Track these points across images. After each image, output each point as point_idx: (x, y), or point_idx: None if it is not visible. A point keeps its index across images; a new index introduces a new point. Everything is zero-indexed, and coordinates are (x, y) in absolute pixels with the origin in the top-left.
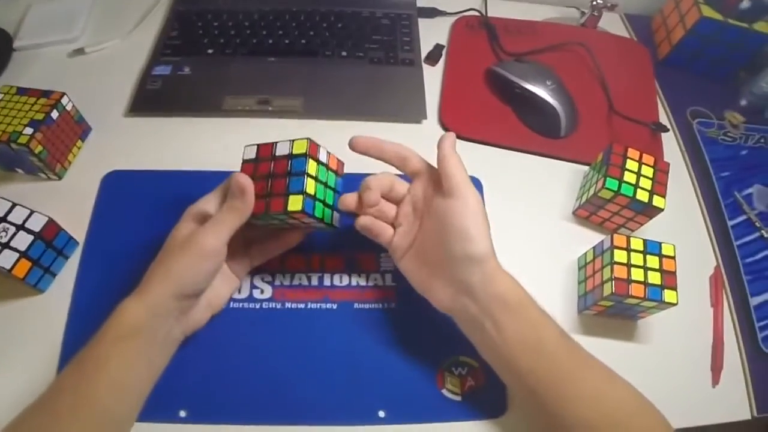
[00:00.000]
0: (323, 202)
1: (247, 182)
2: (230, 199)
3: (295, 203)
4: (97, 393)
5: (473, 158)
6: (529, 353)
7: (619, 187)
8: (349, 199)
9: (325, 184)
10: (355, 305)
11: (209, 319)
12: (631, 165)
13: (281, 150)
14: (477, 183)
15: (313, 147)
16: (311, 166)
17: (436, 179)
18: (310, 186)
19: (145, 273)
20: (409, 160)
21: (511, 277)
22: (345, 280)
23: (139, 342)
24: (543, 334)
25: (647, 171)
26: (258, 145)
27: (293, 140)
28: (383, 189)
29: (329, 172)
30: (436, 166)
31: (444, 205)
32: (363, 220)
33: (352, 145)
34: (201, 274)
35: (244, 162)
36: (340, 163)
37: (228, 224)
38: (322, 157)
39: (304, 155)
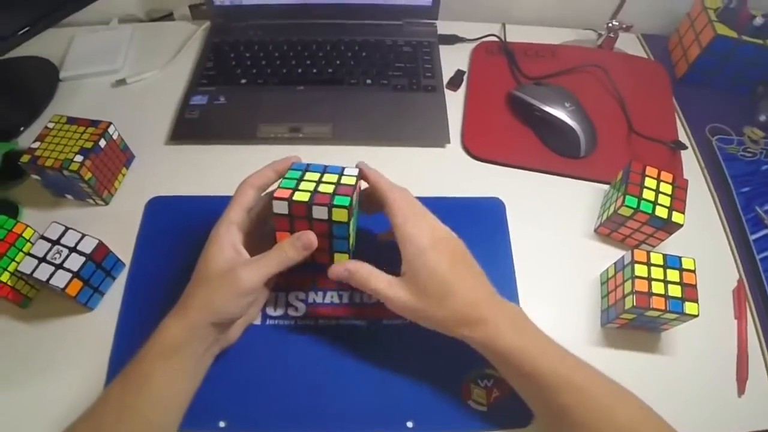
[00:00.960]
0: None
1: (315, 243)
2: (288, 248)
3: (340, 258)
4: (141, 407)
5: (496, 180)
6: (535, 398)
7: (639, 204)
8: None
9: (355, 221)
10: (384, 321)
11: (244, 331)
12: (650, 183)
13: (318, 214)
14: (500, 204)
15: (351, 209)
16: (352, 226)
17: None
18: (352, 240)
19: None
20: (372, 195)
21: (516, 308)
22: (374, 298)
23: (181, 359)
24: (541, 380)
25: (666, 188)
26: (289, 202)
27: (331, 206)
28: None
29: (356, 209)
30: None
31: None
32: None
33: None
34: (239, 307)
35: (276, 215)
36: (360, 182)
37: (273, 268)
38: (355, 202)
39: (346, 223)
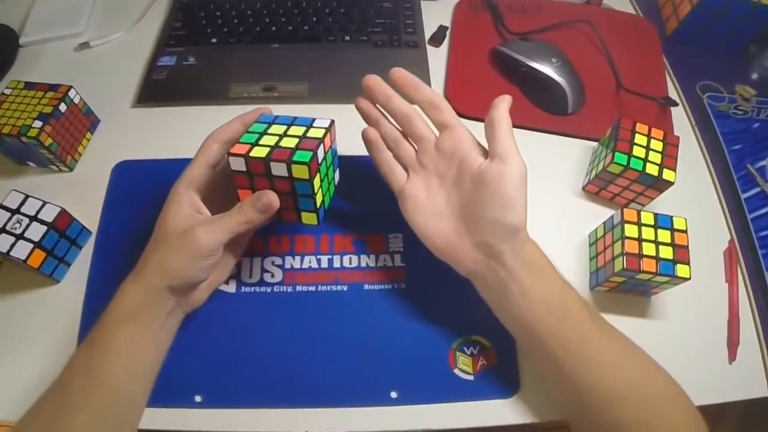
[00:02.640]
0: (328, 192)
1: (275, 204)
2: (248, 209)
3: (309, 218)
4: (107, 374)
5: (482, 137)
6: (554, 317)
7: (629, 161)
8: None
9: (328, 178)
10: (365, 286)
11: (209, 295)
12: (640, 139)
13: (278, 171)
14: None
15: (314, 165)
16: (317, 183)
17: (469, 138)
18: (320, 198)
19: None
20: (441, 109)
21: (535, 243)
22: (354, 262)
23: (142, 323)
24: (567, 299)
25: (656, 145)
26: (245, 158)
27: (291, 162)
28: (400, 110)
29: (329, 162)
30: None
31: (490, 168)
32: (368, 132)
33: (392, 75)
34: (197, 270)
35: (235, 173)
36: (333, 132)
37: (233, 228)
38: (321, 155)
39: (308, 180)
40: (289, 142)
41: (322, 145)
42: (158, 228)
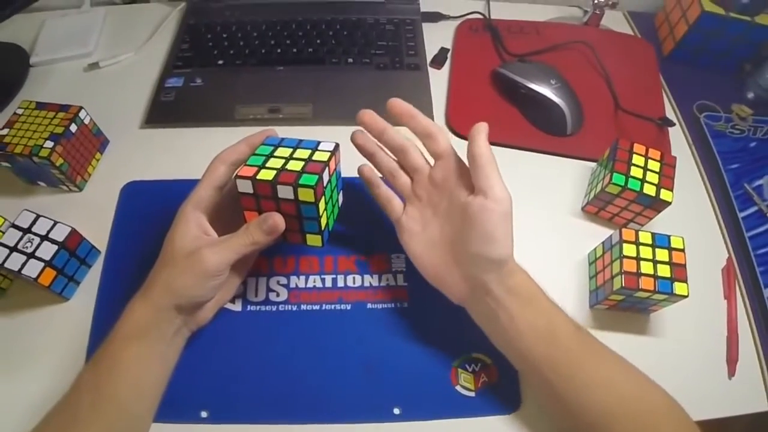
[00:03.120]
0: (332, 214)
1: (281, 226)
2: (254, 231)
3: (314, 240)
4: (114, 391)
5: None
6: (542, 342)
7: (626, 181)
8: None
9: (332, 201)
10: (368, 305)
11: (215, 313)
12: (638, 160)
13: (284, 194)
14: None
15: (319, 188)
16: (321, 206)
17: (460, 169)
18: (324, 220)
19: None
20: (435, 138)
21: (524, 271)
22: (358, 281)
23: (149, 342)
24: (555, 324)
25: (654, 165)
26: (253, 181)
27: (297, 185)
28: (395, 142)
29: (333, 185)
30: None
31: (473, 203)
32: (363, 169)
33: (389, 105)
34: (203, 290)
35: (242, 195)
36: (337, 156)
37: (239, 250)
38: (326, 179)
39: (313, 203)
40: (295, 165)
41: (327, 168)
42: (165, 248)
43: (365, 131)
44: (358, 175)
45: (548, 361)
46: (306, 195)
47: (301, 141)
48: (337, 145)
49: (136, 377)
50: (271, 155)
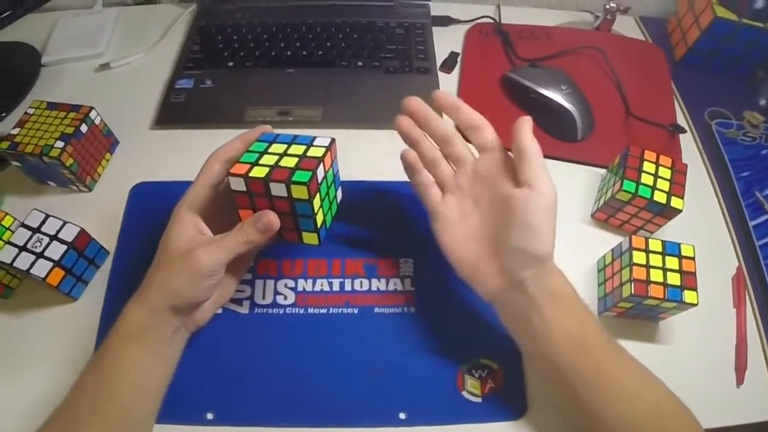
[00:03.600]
0: (330, 211)
1: (276, 224)
2: (248, 229)
3: (310, 239)
4: (115, 392)
5: None
6: (574, 349)
7: (637, 188)
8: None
9: (329, 197)
10: (376, 309)
11: (213, 314)
12: (648, 167)
13: (277, 191)
14: None
15: (313, 185)
16: (316, 203)
17: (506, 162)
18: (320, 218)
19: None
20: (481, 131)
21: (562, 273)
22: (365, 285)
23: (148, 343)
24: (588, 331)
25: (664, 172)
26: (245, 178)
27: (290, 182)
28: (440, 132)
29: (329, 182)
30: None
31: (517, 195)
32: (407, 154)
33: (434, 97)
34: (198, 290)
35: (235, 192)
36: (333, 151)
37: (233, 249)
38: (320, 175)
39: (307, 201)
40: (288, 162)
41: (321, 164)
42: (161, 249)
43: (409, 118)
44: (368, 179)
45: (577, 368)
46: (300, 192)
47: (296, 137)
48: (332, 141)
49: (137, 378)
50: (264, 152)
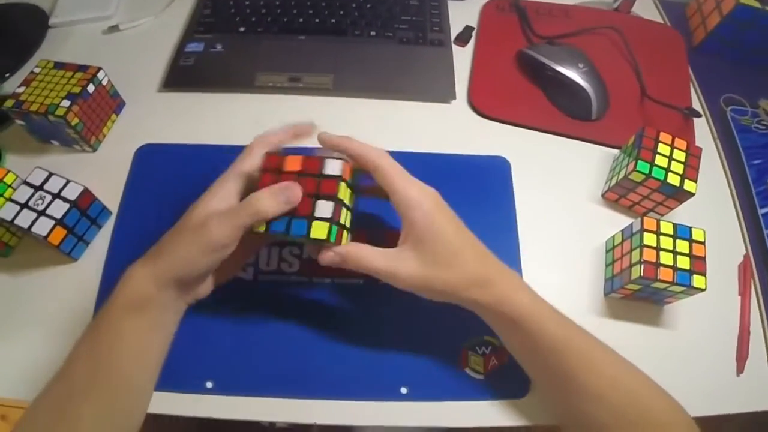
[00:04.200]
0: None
1: (299, 198)
2: (267, 197)
3: (319, 230)
4: (116, 361)
5: (502, 139)
6: (540, 364)
7: (651, 170)
8: None
9: (348, 207)
10: (380, 281)
11: (212, 289)
12: (663, 149)
13: (331, 169)
14: (505, 163)
15: (347, 168)
16: (342, 190)
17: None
18: (337, 213)
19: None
20: (361, 157)
21: (515, 288)
22: None
23: (149, 312)
24: (550, 344)
25: (679, 155)
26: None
27: (324, 173)
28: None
29: (352, 190)
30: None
31: (403, 221)
32: None
33: (320, 140)
34: (206, 263)
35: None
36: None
37: (245, 219)
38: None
39: (339, 177)
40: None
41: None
42: (184, 215)
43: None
44: None
45: (544, 377)
46: (339, 168)
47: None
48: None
49: (135, 348)
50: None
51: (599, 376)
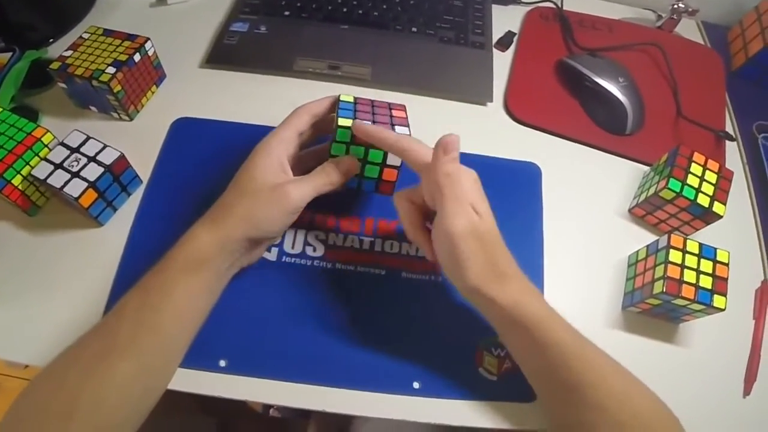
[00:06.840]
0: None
1: (356, 169)
2: (332, 170)
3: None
4: (159, 323)
5: (535, 145)
6: (548, 372)
7: (682, 188)
8: None
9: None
10: (403, 274)
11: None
12: (696, 169)
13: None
14: (536, 169)
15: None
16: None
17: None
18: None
19: (212, 206)
20: (409, 152)
21: (515, 293)
22: (396, 248)
23: (204, 275)
24: (563, 351)
25: (711, 177)
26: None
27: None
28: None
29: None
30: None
31: (436, 221)
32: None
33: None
34: (282, 225)
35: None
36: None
37: (319, 188)
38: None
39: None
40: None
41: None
42: (242, 178)
43: None
44: None
45: (541, 384)
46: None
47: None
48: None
49: (183, 310)
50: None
51: (611, 395)
